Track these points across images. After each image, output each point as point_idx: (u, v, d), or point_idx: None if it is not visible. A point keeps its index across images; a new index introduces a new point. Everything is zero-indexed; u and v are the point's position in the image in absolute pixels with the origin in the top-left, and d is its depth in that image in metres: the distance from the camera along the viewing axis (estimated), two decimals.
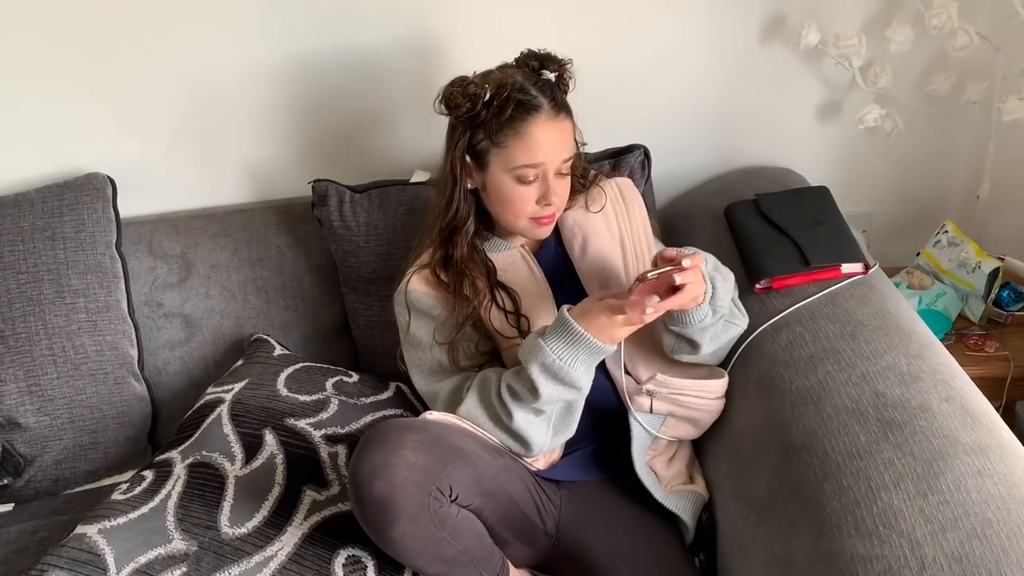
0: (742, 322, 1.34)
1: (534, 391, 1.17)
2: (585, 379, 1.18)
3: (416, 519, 1.07)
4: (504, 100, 1.23)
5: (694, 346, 1.28)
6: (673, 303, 1.14)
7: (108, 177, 1.64)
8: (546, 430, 1.24)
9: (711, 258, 1.26)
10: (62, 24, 1.58)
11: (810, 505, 1.04)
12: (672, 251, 1.17)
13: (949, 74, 1.71)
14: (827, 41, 1.66)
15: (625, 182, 1.48)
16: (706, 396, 1.30)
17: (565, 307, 1.18)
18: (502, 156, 1.26)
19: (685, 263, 1.13)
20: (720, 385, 1.31)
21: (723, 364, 1.35)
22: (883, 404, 1.11)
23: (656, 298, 1.11)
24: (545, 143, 1.24)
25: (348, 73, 1.68)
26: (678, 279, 1.12)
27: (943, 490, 0.97)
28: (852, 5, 1.70)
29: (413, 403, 1.52)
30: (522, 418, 1.21)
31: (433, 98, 1.28)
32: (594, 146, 1.50)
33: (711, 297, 1.22)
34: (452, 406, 1.27)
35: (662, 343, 1.32)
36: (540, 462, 1.31)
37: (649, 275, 1.15)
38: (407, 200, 1.60)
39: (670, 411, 1.29)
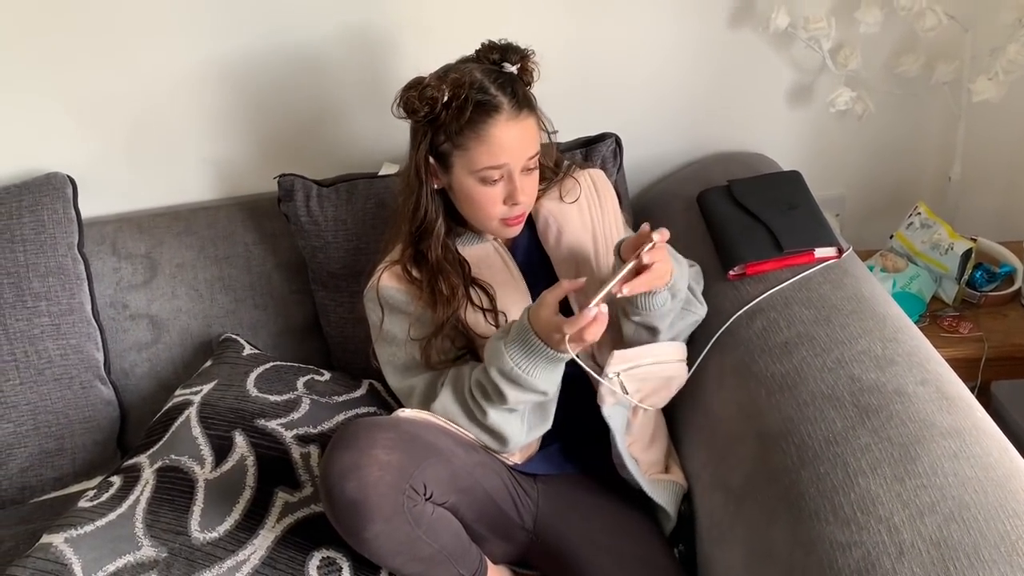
0: (700, 310, 1.34)
1: (499, 394, 1.16)
2: (546, 384, 1.15)
3: (390, 519, 1.05)
4: (463, 101, 1.20)
5: (653, 332, 1.27)
6: (643, 284, 1.12)
7: (68, 177, 1.60)
8: (520, 425, 1.22)
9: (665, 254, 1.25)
10: (15, 24, 1.55)
11: (788, 493, 1.04)
12: (633, 236, 1.16)
13: (918, 55, 1.70)
14: (796, 24, 1.65)
15: (598, 173, 1.46)
16: (666, 359, 1.29)
17: (527, 309, 1.15)
18: (464, 158, 1.23)
19: (655, 236, 1.12)
20: (676, 348, 1.31)
21: (696, 353, 1.34)
22: (859, 389, 1.10)
23: (595, 310, 1.08)
24: (507, 143, 1.22)
25: (307, 66, 1.65)
26: (646, 258, 1.11)
27: (920, 474, 0.97)
28: None
29: (387, 400, 1.50)
30: (495, 415, 1.19)
31: (393, 90, 1.25)
32: (565, 135, 1.48)
33: (670, 283, 1.21)
34: (427, 402, 1.25)
35: (623, 334, 1.31)
36: (516, 456, 1.29)
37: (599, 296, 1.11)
38: (376, 194, 1.58)
39: (637, 388, 1.27)
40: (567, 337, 1.09)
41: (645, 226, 1.15)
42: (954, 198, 1.84)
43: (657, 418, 1.35)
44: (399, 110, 1.25)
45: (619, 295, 1.11)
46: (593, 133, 1.63)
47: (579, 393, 1.28)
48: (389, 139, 1.68)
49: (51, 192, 1.56)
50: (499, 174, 1.24)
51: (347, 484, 1.04)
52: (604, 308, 1.09)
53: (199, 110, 1.67)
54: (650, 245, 1.11)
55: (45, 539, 1.21)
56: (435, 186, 1.29)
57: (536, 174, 1.30)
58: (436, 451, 1.13)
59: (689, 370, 1.31)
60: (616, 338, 1.32)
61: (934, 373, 1.13)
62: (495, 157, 1.22)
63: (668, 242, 1.18)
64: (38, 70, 1.59)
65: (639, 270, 1.12)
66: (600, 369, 1.24)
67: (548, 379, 1.15)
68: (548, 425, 1.25)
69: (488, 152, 1.22)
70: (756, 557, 1.05)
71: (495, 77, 1.23)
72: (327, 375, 1.53)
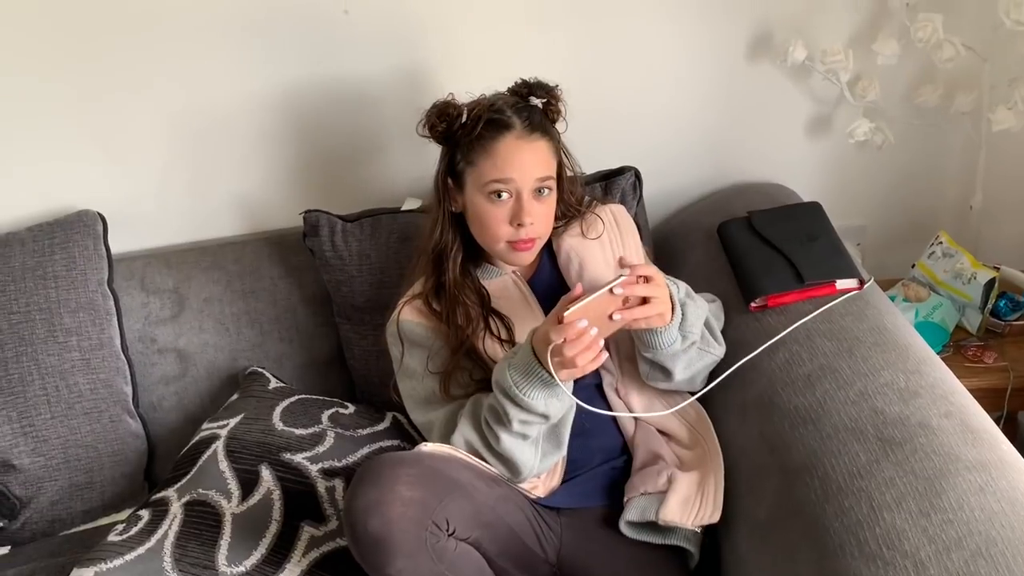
0: (718, 351, 1.33)
1: (505, 415, 1.15)
2: (545, 407, 1.14)
3: (413, 555, 1.05)
4: (476, 119, 1.25)
5: (666, 373, 1.28)
6: (637, 313, 1.13)
7: (99, 214, 1.64)
8: (534, 453, 1.22)
9: (683, 285, 1.26)
10: (50, 61, 1.59)
11: (812, 527, 1.03)
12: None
13: (937, 86, 1.71)
14: (814, 57, 1.67)
15: (619, 209, 1.48)
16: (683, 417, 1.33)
17: (532, 330, 1.16)
18: (474, 174, 1.27)
19: (640, 270, 1.14)
20: (688, 405, 1.33)
21: (715, 383, 1.34)
22: (882, 422, 1.10)
23: (584, 322, 1.08)
24: (514, 160, 1.25)
25: (337, 104, 1.68)
26: (618, 290, 1.11)
27: (946, 508, 0.96)
28: (837, 21, 1.70)
29: (410, 433, 1.51)
30: (508, 441, 1.18)
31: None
32: (585, 168, 1.50)
33: (680, 322, 1.22)
34: (447, 435, 1.25)
35: (640, 371, 1.32)
36: (539, 489, 1.29)
37: (581, 302, 1.10)
38: (399, 228, 1.60)
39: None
40: (550, 351, 1.08)
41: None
42: (976, 227, 1.83)
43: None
44: (422, 128, 1.30)
45: (613, 317, 1.12)
46: (612, 166, 1.65)
47: (602, 429, 1.29)
48: (412, 174, 1.71)
49: (82, 229, 1.60)
50: (506, 191, 1.26)
51: (370, 520, 1.04)
52: (601, 344, 1.09)
53: (228, 148, 1.70)
54: (622, 276, 1.12)
55: (76, 573, 1.23)
56: (453, 208, 1.32)
57: (550, 202, 1.31)
58: (459, 486, 1.14)
59: (701, 391, 1.32)
60: (645, 383, 1.33)
61: (958, 406, 1.12)
62: (500, 171, 1.24)
63: (689, 274, 1.19)
64: (69, 108, 1.63)
65: (644, 301, 1.13)
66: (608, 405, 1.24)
67: (547, 403, 1.14)
68: (562, 451, 1.25)
69: (494, 166, 1.24)
70: None
71: (514, 103, 1.28)
72: (351, 408, 1.54)
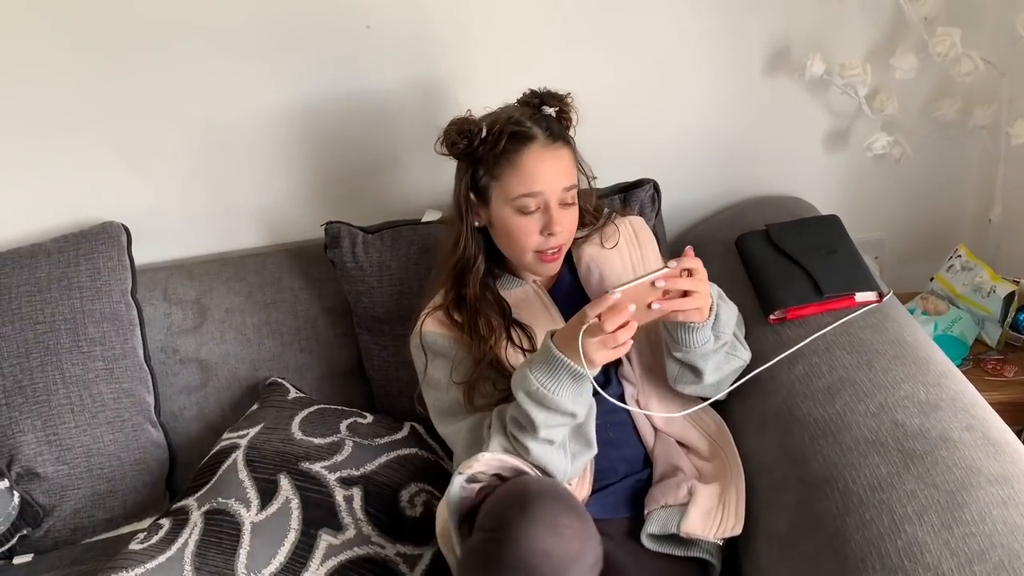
0: (744, 355, 1.34)
1: (530, 422, 1.15)
2: (573, 405, 1.14)
3: None
4: (498, 133, 1.25)
5: (697, 374, 1.27)
6: (679, 304, 1.13)
7: (123, 225, 1.66)
8: (563, 456, 1.21)
9: (716, 288, 1.26)
10: (75, 75, 1.62)
11: (833, 540, 1.03)
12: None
13: (955, 100, 1.71)
14: (832, 71, 1.67)
15: (638, 221, 1.49)
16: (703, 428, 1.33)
17: (549, 331, 1.16)
18: (501, 188, 1.27)
19: (687, 263, 1.14)
20: (708, 416, 1.35)
21: (735, 391, 1.34)
22: (903, 435, 1.10)
23: (618, 294, 1.08)
24: (541, 171, 1.25)
25: (357, 116, 1.70)
26: (672, 263, 1.12)
27: (968, 522, 0.96)
28: (855, 35, 1.71)
29: (428, 442, 1.52)
30: (536, 449, 1.18)
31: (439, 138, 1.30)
32: (603, 181, 1.51)
33: (714, 322, 1.22)
34: (471, 445, 1.26)
35: (667, 373, 1.32)
36: None
37: (625, 285, 1.11)
38: (419, 239, 1.61)
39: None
40: (584, 330, 1.07)
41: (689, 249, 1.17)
42: (995, 240, 1.83)
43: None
44: (440, 146, 1.30)
45: (652, 307, 1.11)
46: (630, 179, 1.65)
47: (626, 438, 1.29)
48: (431, 186, 1.72)
49: (106, 240, 1.62)
50: (535, 203, 1.27)
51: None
52: (633, 326, 1.09)
53: (250, 160, 1.73)
54: (666, 268, 1.13)
55: None
56: (476, 223, 1.33)
57: (574, 210, 1.32)
58: None
59: (720, 394, 1.32)
60: (665, 384, 1.33)
61: (979, 419, 1.12)
62: (529, 184, 1.25)
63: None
64: (95, 122, 1.66)
65: (684, 294, 1.14)
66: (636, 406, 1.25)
67: (575, 399, 1.13)
68: (593, 449, 1.24)
69: (521, 180, 1.25)
70: None
71: (532, 114, 1.29)
72: (369, 418, 1.55)
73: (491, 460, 1.17)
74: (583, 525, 1.06)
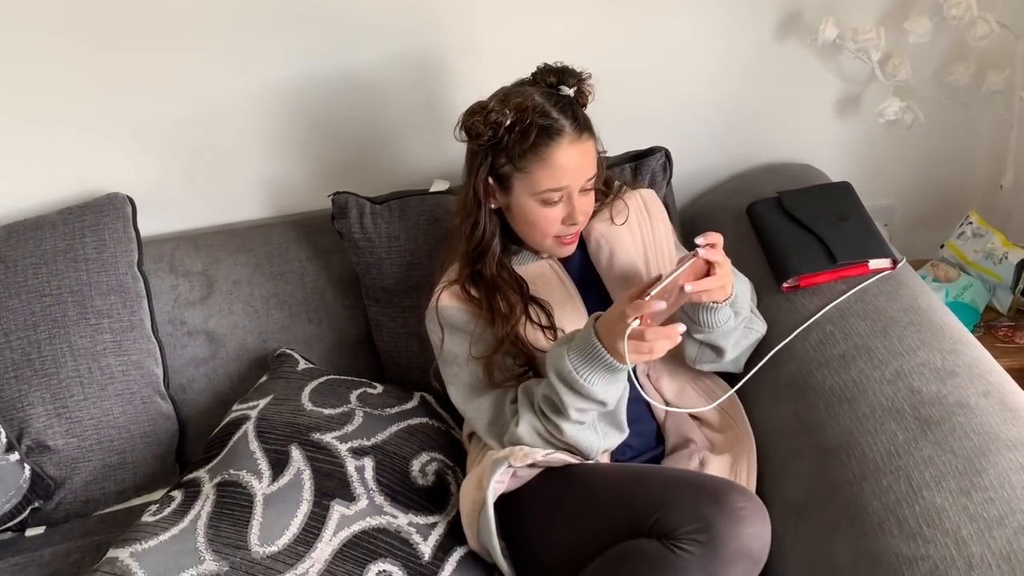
0: (760, 327, 1.34)
1: (562, 403, 1.15)
2: (605, 394, 1.14)
3: None
4: (527, 126, 1.21)
5: (718, 352, 1.28)
6: (708, 283, 1.12)
7: (128, 197, 1.65)
8: (595, 433, 1.22)
9: (727, 262, 1.25)
10: (79, 47, 1.59)
11: (850, 506, 1.03)
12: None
13: (969, 64, 1.69)
14: (845, 36, 1.65)
15: (649, 193, 1.47)
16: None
17: (594, 316, 1.15)
18: (526, 180, 1.25)
19: (711, 238, 1.13)
20: (718, 387, 1.35)
21: (753, 365, 1.34)
22: (920, 401, 1.09)
23: (662, 303, 1.07)
24: (569, 166, 1.23)
25: (361, 87, 1.68)
26: (701, 252, 1.12)
27: (987, 487, 0.96)
28: None
29: (439, 411, 1.52)
30: (570, 430, 1.18)
31: (443, 109, 1.27)
32: (613, 149, 1.49)
33: (733, 299, 1.21)
34: (494, 421, 1.26)
35: (685, 354, 1.31)
36: None
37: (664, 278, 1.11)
38: (427, 210, 1.60)
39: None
40: (628, 333, 1.07)
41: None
42: (1006, 207, 1.82)
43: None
44: (461, 133, 1.27)
45: (684, 289, 1.10)
46: (641, 147, 1.64)
47: (639, 411, 1.29)
48: (438, 156, 1.71)
49: (112, 212, 1.61)
50: (559, 196, 1.25)
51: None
52: (681, 328, 1.08)
53: (255, 131, 1.71)
54: (695, 257, 1.12)
55: (111, 553, 1.24)
56: (492, 206, 1.31)
57: (592, 194, 1.32)
58: None
59: (742, 380, 1.31)
60: (677, 361, 1.33)
61: (996, 385, 1.11)
62: (557, 180, 1.24)
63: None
64: (99, 93, 1.63)
65: (707, 272, 1.13)
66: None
67: (606, 389, 1.14)
68: (624, 432, 1.24)
69: (550, 175, 1.23)
70: (818, 571, 1.04)
71: (555, 101, 1.25)
72: (379, 388, 1.54)
73: (536, 455, 1.18)
74: (755, 502, 1.06)
